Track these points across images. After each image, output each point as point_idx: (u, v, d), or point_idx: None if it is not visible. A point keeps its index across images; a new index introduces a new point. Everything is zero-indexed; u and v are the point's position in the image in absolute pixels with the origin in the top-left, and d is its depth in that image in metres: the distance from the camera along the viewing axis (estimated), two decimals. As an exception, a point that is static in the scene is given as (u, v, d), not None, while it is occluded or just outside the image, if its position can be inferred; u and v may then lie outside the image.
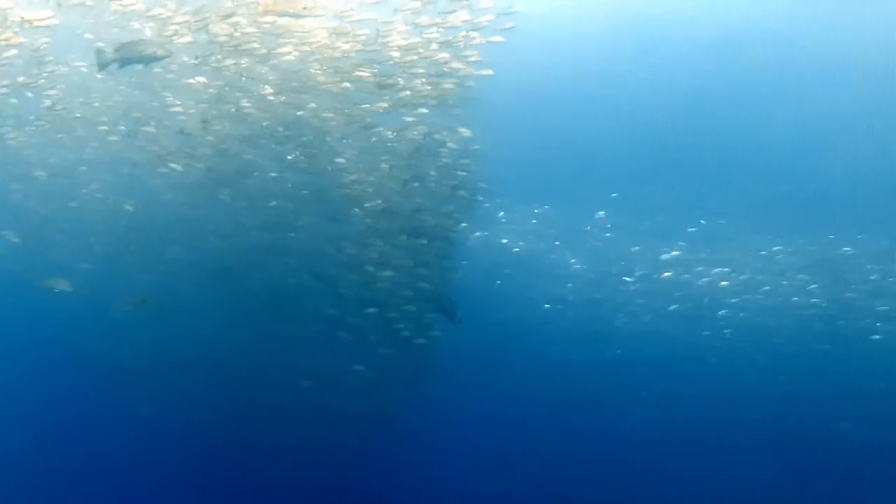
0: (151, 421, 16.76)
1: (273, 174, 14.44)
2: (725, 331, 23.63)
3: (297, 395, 16.48)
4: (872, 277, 21.35)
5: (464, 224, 15.47)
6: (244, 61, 12.31)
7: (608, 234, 20.53)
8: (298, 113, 13.31)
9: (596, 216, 19.94)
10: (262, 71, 12.65)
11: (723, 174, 19.23)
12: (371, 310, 15.31)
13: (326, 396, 16.60)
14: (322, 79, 12.50)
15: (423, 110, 13.05)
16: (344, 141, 13.68)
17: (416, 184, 13.82)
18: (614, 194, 19.33)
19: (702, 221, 19.61)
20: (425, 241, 15.27)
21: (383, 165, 14.08)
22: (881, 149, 19.15)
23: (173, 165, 14.13)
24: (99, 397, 16.98)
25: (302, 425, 16.70)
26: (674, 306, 22.37)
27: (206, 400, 16.47)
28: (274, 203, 14.74)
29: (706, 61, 16.90)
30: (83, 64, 12.28)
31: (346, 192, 14.43)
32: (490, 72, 12.56)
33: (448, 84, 12.61)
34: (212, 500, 16.49)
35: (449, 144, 13.82)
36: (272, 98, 13.12)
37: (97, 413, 16.88)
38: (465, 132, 13.77)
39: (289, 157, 14.22)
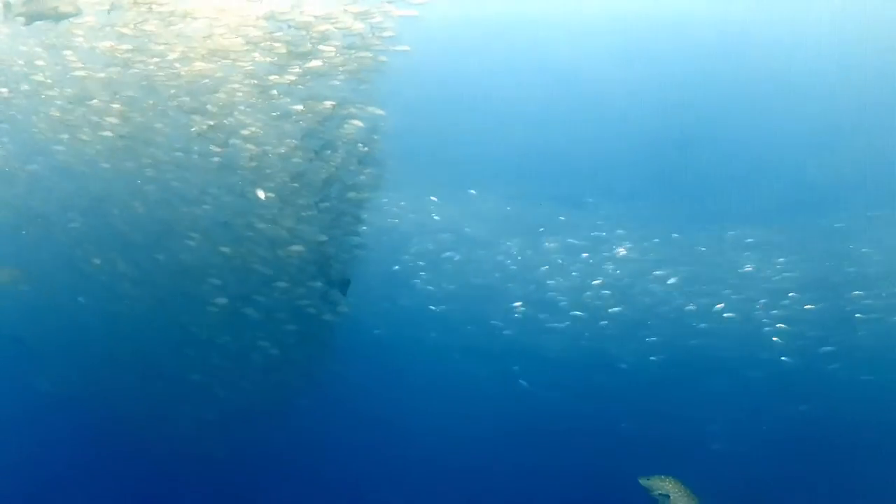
0: (51, 396, 16.28)
1: (178, 145, 14.42)
2: (602, 322, 24.15)
3: (202, 371, 16.37)
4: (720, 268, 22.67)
5: (370, 197, 15.80)
6: (152, 25, 12.46)
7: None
8: (205, 81, 13.49)
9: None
10: (170, 37, 12.82)
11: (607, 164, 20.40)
12: (281, 284, 15.37)
13: (232, 374, 16.61)
14: (228, 44, 12.79)
15: (335, 82, 13.50)
16: (248, 110, 13.85)
17: (329, 151, 14.11)
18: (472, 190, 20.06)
19: (588, 199, 20.63)
20: (332, 217, 15.57)
21: (289, 140, 14.34)
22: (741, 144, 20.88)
23: (80, 136, 13.95)
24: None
25: (205, 403, 16.59)
26: (551, 293, 22.99)
27: (108, 374, 16.16)
28: (176, 174, 14.67)
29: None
30: (-18, 19, 12.09)
31: (252, 164, 14.53)
32: (406, 47, 13.20)
33: (362, 56, 13.14)
34: (111, 479, 16.13)
35: (354, 122, 14.26)
36: (178, 65, 13.28)
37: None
38: (377, 111, 14.30)
39: (193, 130, 14.28)
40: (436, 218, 21.55)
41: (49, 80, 13.38)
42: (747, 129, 20.58)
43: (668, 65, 19.67)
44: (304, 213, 15.19)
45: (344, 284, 15.78)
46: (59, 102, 13.57)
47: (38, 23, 11.54)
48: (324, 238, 15.39)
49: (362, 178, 15.14)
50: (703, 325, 23.96)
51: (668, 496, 8.76)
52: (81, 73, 13.20)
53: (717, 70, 18.73)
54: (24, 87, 13.32)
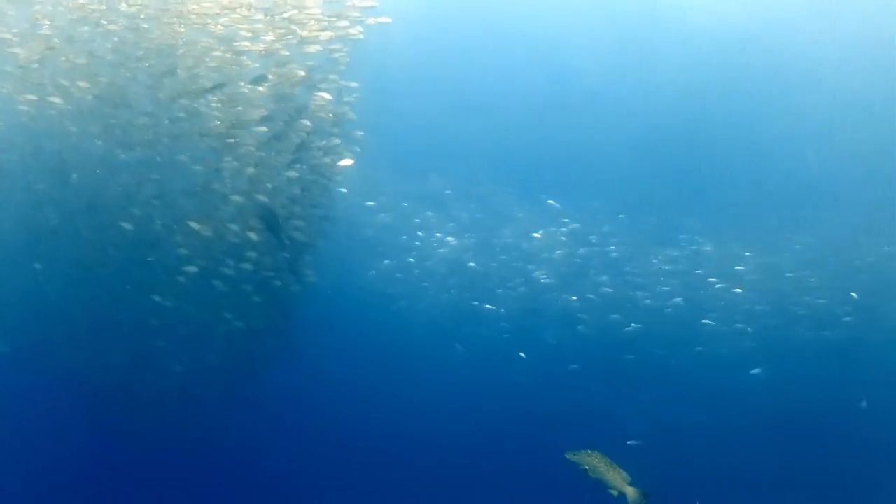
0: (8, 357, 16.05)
1: (147, 110, 14.25)
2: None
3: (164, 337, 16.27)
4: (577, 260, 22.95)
5: (339, 169, 15.81)
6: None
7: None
8: (175, 44, 13.41)
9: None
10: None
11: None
12: (251, 254, 15.29)
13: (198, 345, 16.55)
14: (200, 7, 12.73)
15: (310, 50, 13.53)
16: (216, 76, 13.78)
17: (299, 120, 14.13)
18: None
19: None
20: (301, 186, 15.56)
21: (259, 108, 14.28)
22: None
23: (47, 97, 13.66)
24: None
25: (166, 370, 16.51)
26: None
27: (71, 340, 15.96)
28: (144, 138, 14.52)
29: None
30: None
31: (221, 131, 14.42)
32: (388, 19, 13.28)
33: (338, 26, 13.17)
34: (74, 454, 16.00)
35: (323, 94, 14.27)
36: (147, 26, 13.19)
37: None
38: (350, 83, 14.36)
39: (160, 96, 14.15)
40: (384, 193, 21.71)
41: (15, 38, 13.11)
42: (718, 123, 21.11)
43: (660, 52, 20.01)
44: (270, 184, 15.20)
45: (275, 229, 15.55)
46: (23, 60, 13.27)
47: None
48: (297, 209, 15.45)
49: (332, 148, 15.20)
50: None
51: (594, 469, 8.84)
52: (49, 30, 12.99)
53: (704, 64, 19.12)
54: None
